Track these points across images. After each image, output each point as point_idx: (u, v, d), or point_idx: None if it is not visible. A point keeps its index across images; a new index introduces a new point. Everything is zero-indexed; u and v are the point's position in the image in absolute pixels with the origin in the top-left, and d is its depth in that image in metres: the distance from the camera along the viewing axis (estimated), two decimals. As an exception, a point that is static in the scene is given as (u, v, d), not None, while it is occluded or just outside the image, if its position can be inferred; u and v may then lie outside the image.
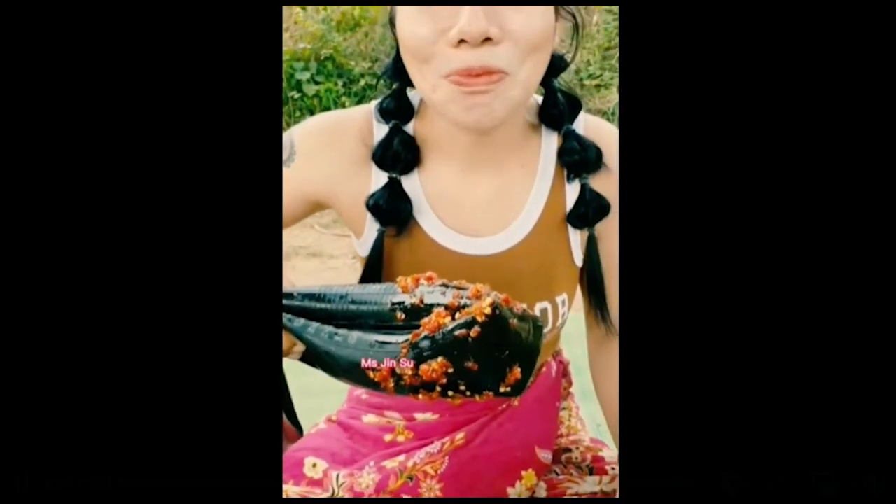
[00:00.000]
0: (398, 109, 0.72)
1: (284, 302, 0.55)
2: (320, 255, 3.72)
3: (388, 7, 0.68)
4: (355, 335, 0.52)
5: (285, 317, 0.54)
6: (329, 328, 0.53)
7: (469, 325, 0.48)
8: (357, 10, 4.74)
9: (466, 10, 0.57)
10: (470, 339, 0.48)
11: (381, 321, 0.52)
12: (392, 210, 0.70)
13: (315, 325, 0.53)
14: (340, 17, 4.71)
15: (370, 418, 0.84)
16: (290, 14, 4.50)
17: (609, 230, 0.74)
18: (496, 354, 0.49)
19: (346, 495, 0.74)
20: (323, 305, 0.54)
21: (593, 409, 0.89)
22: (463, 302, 0.50)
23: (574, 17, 0.68)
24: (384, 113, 0.72)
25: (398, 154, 0.70)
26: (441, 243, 0.71)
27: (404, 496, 0.75)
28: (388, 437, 0.81)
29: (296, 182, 0.72)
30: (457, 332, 0.48)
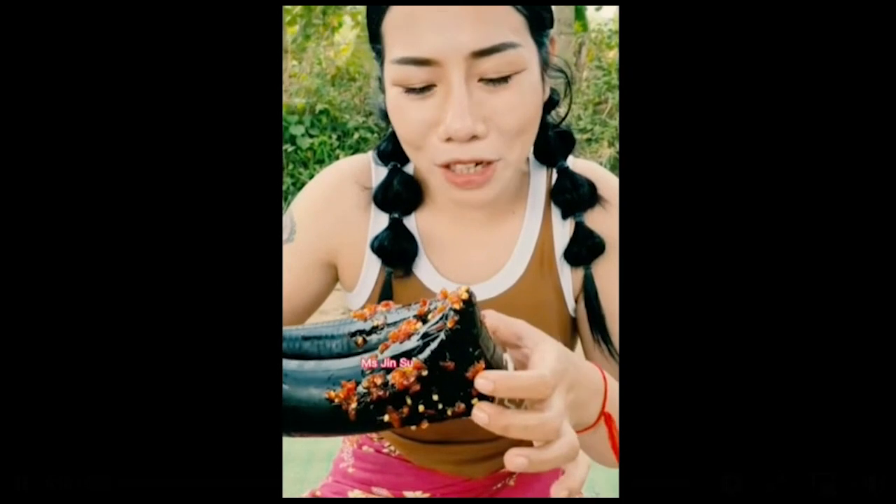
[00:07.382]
0: (396, 151, 0.70)
1: None
2: (312, 309, 3.71)
3: (377, 63, 0.66)
4: (311, 363, 0.47)
5: None
6: None
7: (445, 317, 0.44)
8: (351, 65, 4.85)
9: (452, 106, 0.57)
10: (447, 332, 0.44)
11: (339, 355, 0.48)
12: (398, 250, 0.69)
13: None
14: (335, 71, 4.82)
15: (357, 494, 0.81)
16: (286, 68, 4.60)
17: (602, 269, 0.70)
18: (469, 350, 0.44)
19: None
20: None
21: (591, 476, 0.87)
22: (432, 306, 0.47)
23: (563, 72, 0.67)
24: (382, 155, 0.72)
25: (399, 194, 0.70)
26: (434, 291, 0.70)
27: None
28: None
29: (301, 251, 0.72)
30: (433, 328, 0.44)
